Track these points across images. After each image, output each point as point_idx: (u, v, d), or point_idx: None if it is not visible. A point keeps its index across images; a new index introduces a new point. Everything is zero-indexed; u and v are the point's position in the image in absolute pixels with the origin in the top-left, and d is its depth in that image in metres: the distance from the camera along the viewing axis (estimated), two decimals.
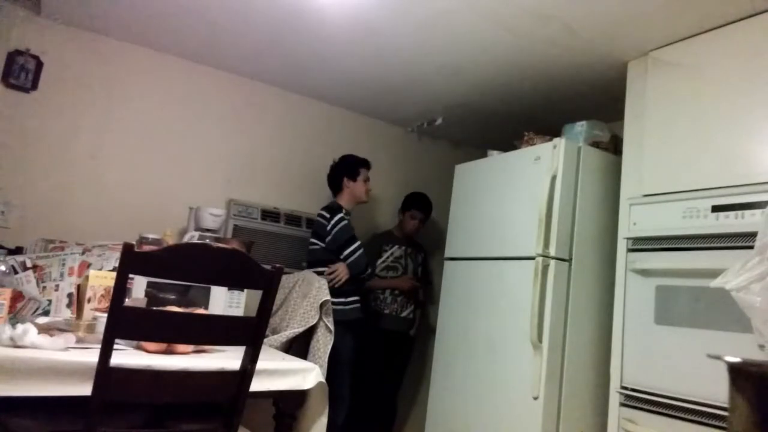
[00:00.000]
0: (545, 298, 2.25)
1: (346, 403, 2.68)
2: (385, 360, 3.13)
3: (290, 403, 1.82)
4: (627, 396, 2.05)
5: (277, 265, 1.51)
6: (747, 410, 0.93)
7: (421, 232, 3.39)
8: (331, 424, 2.52)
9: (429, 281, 3.50)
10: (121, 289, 1.29)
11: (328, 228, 2.79)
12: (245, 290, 2.28)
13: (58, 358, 1.37)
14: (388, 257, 3.22)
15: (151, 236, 2.24)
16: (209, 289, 2.19)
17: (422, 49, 2.55)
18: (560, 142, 2.38)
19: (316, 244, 2.85)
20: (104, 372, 1.26)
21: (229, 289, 2.23)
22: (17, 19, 2.58)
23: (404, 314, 3.21)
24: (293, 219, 3.22)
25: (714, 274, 1.56)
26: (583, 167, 2.41)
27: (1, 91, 2.55)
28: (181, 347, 1.64)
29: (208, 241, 2.25)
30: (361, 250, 2.78)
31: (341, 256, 2.76)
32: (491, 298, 2.52)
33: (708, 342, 1.81)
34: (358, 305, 2.81)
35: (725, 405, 0.96)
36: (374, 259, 3.19)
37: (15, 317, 1.75)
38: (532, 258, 2.29)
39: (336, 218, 2.79)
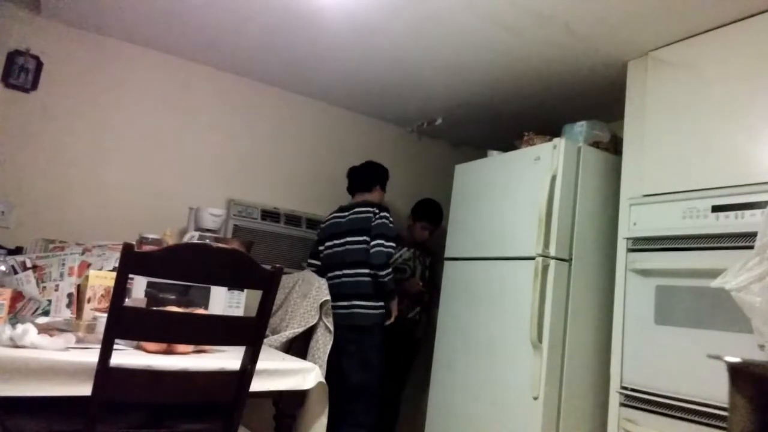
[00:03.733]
0: (545, 298, 2.25)
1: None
2: (389, 360, 3.13)
3: (290, 403, 1.82)
4: (627, 396, 2.05)
5: (277, 265, 1.51)
6: (747, 410, 0.93)
7: None
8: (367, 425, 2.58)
9: (436, 285, 3.49)
10: (121, 289, 1.29)
11: (374, 221, 2.69)
12: (245, 290, 2.28)
13: (58, 358, 1.37)
14: (396, 259, 3.22)
15: (151, 236, 2.24)
16: (209, 289, 2.19)
17: (422, 49, 2.55)
18: (560, 142, 2.38)
19: (362, 243, 2.70)
20: (104, 372, 1.26)
21: (229, 289, 2.23)
22: (17, 19, 2.58)
23: (410, 316, 3.21)
24: (293, 219, 3.22)
25: (714, 274, 1.56)
26: (583, 167, 2.41)
27: (1, 91, 2.55)
28: (181, 347, 1.64)
29: (208, 241, 2.25)
30: (391, 250, 2.66)
31: (372, 243, 2.65)
32: (491, 298, 2.52)
33: (708, 342, 1.81)
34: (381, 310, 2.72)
35: (725, 405, 0.96)
36: None
37: (15, 317, 1.75)
38: (532, 258, 2.29)
39: (384, 214, 2.71)
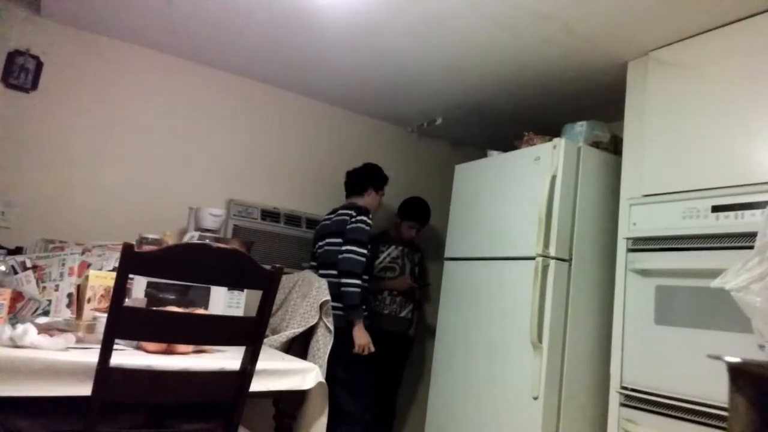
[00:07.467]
0: (545, 298, 2.25)
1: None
2: (384, 360, 3.13)
3: (290, 403, 1.82)
4: (627, 396, 2.05)
5: (277, 265, 1.51)
6: (747, 410, 0.93)
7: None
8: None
9: (428, 282, 3.50)
10: (121, 289, 1.29)
11: (349, 224, 2.68)
12: (245, 290, 2.28)
13: (58, 358, 1.37)
14: (385, 257, 3.21)
15: (151, 236, 2.24)
16: (209, 289, 2.19)
17: (422, 49, 2.55)
18: (560, 142, 2.38)
19: (337, 245, 2.71)
20: (104, 372, 1.26)
21: (229, 289, 2.23)
22: (17, 19, 2.58)
23: (403, 314, 3.21)
24: (293, 219, 3.22)
25: (714, 274, 1.56)
26: (583, 167, 2.41)
27: (1, 91, 2.55)
28: (181, 347, 1.64)
29: (208, 241, 2.25)
30: (362, 258, 2.63)
31: (343, 248, 2.65)
32: (491, 298, 2.52)
33: (708, 342, 1.81)
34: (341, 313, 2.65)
35: (725, 405, 0.96)
36: (372, 260, 3.15)
37: (15, 317, 1.75)
38: (532, 258, 2.29)
39: (361, 217, 2.70)
